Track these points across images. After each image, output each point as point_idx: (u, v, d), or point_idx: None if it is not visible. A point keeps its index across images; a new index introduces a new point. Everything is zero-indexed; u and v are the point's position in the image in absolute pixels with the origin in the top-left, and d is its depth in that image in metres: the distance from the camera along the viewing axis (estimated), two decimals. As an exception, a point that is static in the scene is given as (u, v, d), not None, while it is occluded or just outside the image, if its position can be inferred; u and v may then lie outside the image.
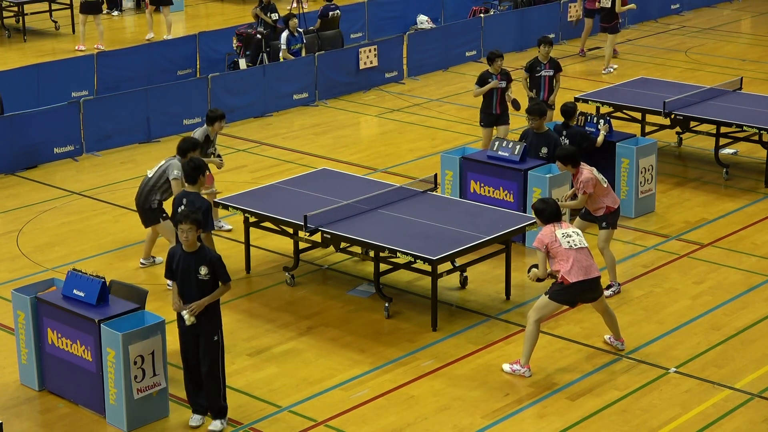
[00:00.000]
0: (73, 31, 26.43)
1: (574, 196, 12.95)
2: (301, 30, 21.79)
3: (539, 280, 11.33)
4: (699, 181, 16.75)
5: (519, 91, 18.08)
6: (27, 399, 10.98)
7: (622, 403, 10.81)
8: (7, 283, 13.34)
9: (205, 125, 14.31)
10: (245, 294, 13.21)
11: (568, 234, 11.07)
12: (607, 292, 12.48)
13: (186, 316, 10.08)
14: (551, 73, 17.27)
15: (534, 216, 11.41)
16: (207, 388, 10.28)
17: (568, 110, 14.95)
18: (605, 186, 12.73)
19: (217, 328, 10.22)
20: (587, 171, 12.62)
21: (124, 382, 10.25)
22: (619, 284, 13.06)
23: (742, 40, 25.12)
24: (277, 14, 22.34)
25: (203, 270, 10.02)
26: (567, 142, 14.77)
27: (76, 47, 24.67)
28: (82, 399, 10.76)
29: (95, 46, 24.54)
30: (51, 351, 10.88)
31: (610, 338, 11.84)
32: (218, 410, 10.34)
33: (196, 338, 10.20)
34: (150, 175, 13.14)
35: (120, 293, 10.92)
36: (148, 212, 13.14)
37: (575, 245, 11.03)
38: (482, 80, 16.55)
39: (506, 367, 11.37)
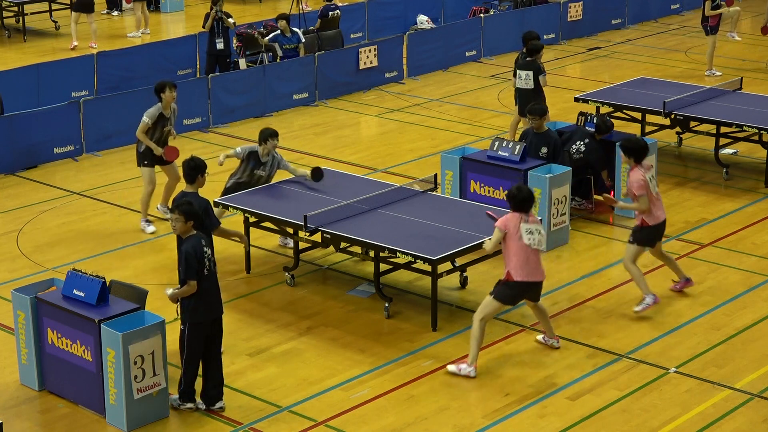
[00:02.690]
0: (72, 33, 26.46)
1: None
2: (297, 30, 21.76)
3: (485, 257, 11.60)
4: (699, 181, 16.75)
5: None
6: (27, 399, 10.98)
7: (622, 403, 10.81)
8: (7, 283, 13.34)
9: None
10: (245, 294, 13.21)
11: (531, 231, 11.04)
12: (637, 307, 12.46)
13: (169, 290, 10.55)
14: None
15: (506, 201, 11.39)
16: None
17: (600, 126, 15.14)
18: (654, 194, 12.29)
19: (185, 320, 10.42)
20: (639, 172, 12.21)
21: (124, 382, 10.24)
22: (653, 296, 12.49)
23: (742, 40, 25.11)
24: (233, 19, 21.36)
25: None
26: (583, 149, 14.82)
27: (70, 46, 24.70)
28: (82, 399, 10.76)
29: (89, 45, 24.61)
30: (51, 351, 10.88)
31: (543, 337, 11.84)
32: (180, 391, 10.72)
33: None
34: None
35: (120, 293, 10.92)
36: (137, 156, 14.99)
37: (533, 245, 11.03)
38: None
39: (451, 367, 11.33)
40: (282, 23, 21.30)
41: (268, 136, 13.79)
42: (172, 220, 10.45)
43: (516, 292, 11.19)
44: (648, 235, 12.43)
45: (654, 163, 15.31)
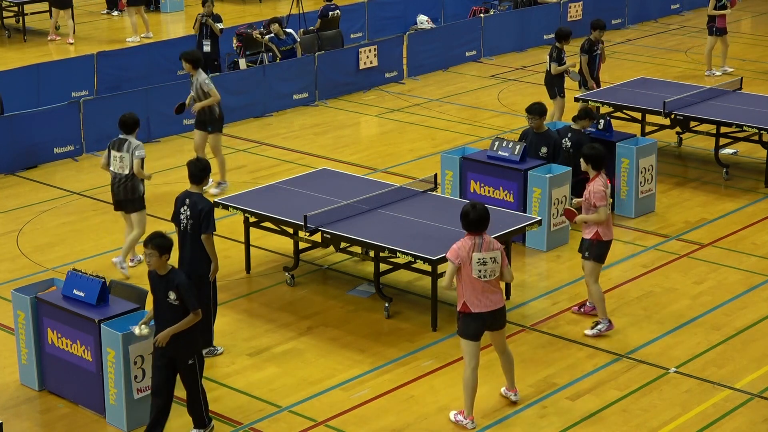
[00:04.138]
0: (74, 31, 26.43)
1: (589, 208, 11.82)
2: (290, 31, 21.74)
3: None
4: (699, 181, 16.75)
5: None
6: (27, 399, 10.98)
7: (622, 403, 10.81)
8: (7, 283, 13.34)
9: None
10: (245, 294, 13.21)
11: (484, 261, 10.14)
12: (588, 332, 12.02)
13: (137, 330, 9.95)
14: (599, 51, 18.52)
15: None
16: (190, 410, 10.17)
17: (580, 112, 15.18)
18: (610, 212, 11.86)
19: (193, 353, 9.94)
20: (600, 182, 11.73)
21: (124, 382, 10.24)
22: (609, 321, 12.06)
23: (742, 40, 25.10)
24: (221, 24, 20.98)
25: (172, 295, 9.78)
26: (569, 144, 14.82)
27: (48, 37, 25.18)
28: (82, 399, 10.76)
29: (68, 41, 25.10)
30: (51, 351, 10.88)
31: (504, 390, 10.92)
32: (199, 422, 10.22)
33: (170, 362, 9.94)
34: (118, 170, 13.36)
35: (120, 293, 10.92)
36: (138, 200, 13.52)
37: (485, 276, 10.16)
38: (559, 57, 17.96)
39: (451, 415, 10.58)
40: (275, 27, 21.27)
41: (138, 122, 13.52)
42: (146, 254, 9.84)
43: (477, 323, 10.25)
44: (603, 250, 11.81)
45: (654, 163, 15.33)
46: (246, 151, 18.26)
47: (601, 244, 11.82)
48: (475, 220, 10.16)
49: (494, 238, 12.37)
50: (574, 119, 15.08)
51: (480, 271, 10.14)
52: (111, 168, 13.44)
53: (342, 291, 13.23)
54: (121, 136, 13.40)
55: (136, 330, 10.00)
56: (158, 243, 9.81)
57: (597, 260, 11.87)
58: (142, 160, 13.31)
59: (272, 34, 21.34)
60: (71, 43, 24.95)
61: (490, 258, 10.18)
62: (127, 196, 13.43)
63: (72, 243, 14.73)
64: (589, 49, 18.38)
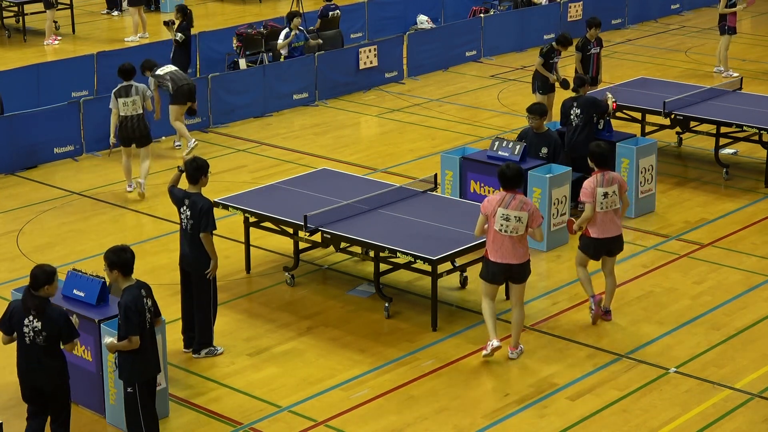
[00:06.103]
0: (73, 31, 26.45)
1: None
2: (303, 29, 21.74)
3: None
4: (699, 181, 16.74)
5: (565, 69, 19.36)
6: (27, 399, 10.96)
7: (622, 403, 10.81)
8: (7, 283, 13.33)
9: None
10: (245, 294, 13.22)
11: (507, 217, 11.02)
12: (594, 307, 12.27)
13: (108, 340, 9.74)
14: (598, 50, 18.54)
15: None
16: None
17: (576, 81, 15.61)
18: (599, 211, 11.84)
19: (132, 381, 9.55)
20: (592, 179, 11.90)
21: (124, 382, 10.24)
22: (594, 301, 12.20)
23: (742, 40, 25.10)
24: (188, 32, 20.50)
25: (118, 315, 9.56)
26: (578, 111, 15.09)
27: (46, 43, 25.28)
28: (82, 399, 10.75)
29: (50, 41, 25.47)
30: (51, 351, 10.86)
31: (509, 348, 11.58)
32: None
33: None
34: (132, 112, 15.84)
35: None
36: (148, 135, 16.25)
37: (505, 231, 11.05)
38: (548, 54, 18.00)
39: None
40: (297, 21, 21.14)
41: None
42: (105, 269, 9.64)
43: (494, 270, 11.25)
44: (588, 245, 12.05)
45: (654, 163, 15.34)
46: (246, 151, 18.27)
47: (584, 238, 12.09)
48: (509, 177, 11.06)
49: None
50: (577, 87, 15.55)
51: (502, 225, 11.00)
52: (122, 113, 15.76)
53: (342, 291, 13.24)
54: (123, 84, 15.83)
55: (108, 340, 9.74)
56: (107, 256, 9.58)
57: (581, 249, 12.20)
58: (152, 98, 16.26)
59: (287, 29, 21.20)
60: (48, 44, 25.17)
61: (515, 216, 10.98)
62: (142, 132, 15.98)
63: (72, 243, 14.73)
64: (583, 47, 18.36)
